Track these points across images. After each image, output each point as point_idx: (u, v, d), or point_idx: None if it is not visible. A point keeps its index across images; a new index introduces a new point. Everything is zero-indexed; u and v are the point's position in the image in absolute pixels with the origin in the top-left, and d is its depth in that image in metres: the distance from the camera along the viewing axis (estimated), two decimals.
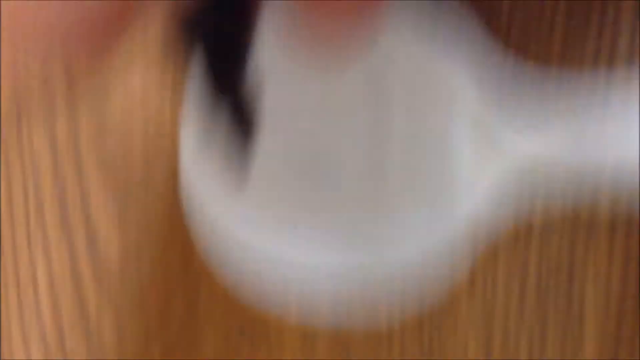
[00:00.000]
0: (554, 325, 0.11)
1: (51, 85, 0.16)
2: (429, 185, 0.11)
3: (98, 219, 0.16)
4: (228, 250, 0.12)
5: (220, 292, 0.15)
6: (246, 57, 0.09)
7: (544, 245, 0.12)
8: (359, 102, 0.11)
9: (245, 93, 0.10)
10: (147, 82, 0.15)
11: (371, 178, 0.11)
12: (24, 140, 0.17)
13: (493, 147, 0.10)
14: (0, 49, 0.08)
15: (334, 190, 0.12)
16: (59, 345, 0.17)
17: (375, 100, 0.11)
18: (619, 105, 0.10)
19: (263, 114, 0.10)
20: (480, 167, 0.11)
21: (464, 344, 0.11)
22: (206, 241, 0.13)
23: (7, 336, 0.17)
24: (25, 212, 0.17)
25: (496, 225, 0.11)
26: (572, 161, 0.10)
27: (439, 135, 0.11)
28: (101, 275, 0.16)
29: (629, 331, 0.11)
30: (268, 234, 0.12)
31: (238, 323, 0.15)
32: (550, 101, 0.10)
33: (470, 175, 0.11)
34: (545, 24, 0.11)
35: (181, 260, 0.15)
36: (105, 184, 0.16)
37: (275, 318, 0.14)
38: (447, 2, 0.10)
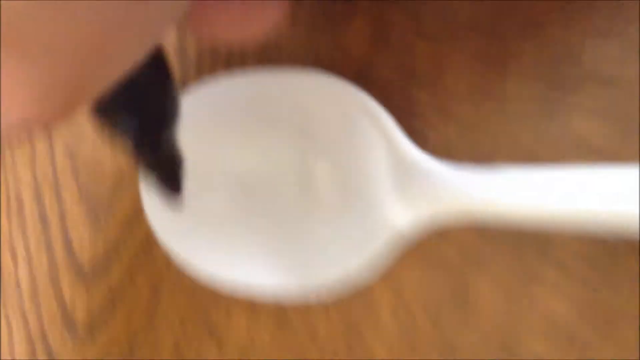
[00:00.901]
0: None
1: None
2: (354, 229, 0.13)
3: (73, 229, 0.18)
4: (182, 264, 0.15)
5: (181, 286, 0.17)
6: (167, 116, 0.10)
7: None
8: (298, 149, 0.14)
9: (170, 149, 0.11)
10: None
11: (304, 217, 0.14)
12: (8, 168, 0.19)
13: (418, 193, 0.12)
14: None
15: (275, 226, 0.14)
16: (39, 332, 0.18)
17: (308, 147, 0.14)
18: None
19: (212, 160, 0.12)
20: (402, 212, 0.13)
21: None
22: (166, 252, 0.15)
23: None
24: (9, 227, 0.19)
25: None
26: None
27: (363, 180, 0.13)
28: (77, 273, 0.18)
29: None
30: (216, 259, 0.14)
31: (197, 309, 0.17)
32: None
33: (393, 218, 0.13)
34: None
35: (146, 258, 0.17)
36: (80, 202, 0.18)
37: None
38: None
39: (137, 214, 0.17)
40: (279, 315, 0.15)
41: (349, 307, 0.14)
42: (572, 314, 0.13)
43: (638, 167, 0.11)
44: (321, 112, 0.13)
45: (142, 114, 0.10)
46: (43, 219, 0.18)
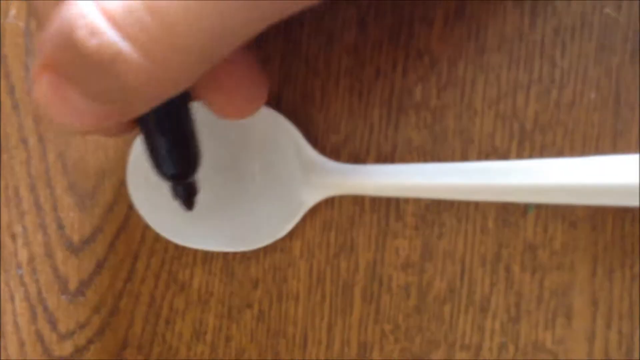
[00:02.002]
0: None
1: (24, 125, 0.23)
2: (277, 203, 0.20)
3: (63, 210, 0.24)
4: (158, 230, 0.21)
5: (154, 252, 0.23)
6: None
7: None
8: (237, 154, 0.20)
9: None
10: None
11: (244, 200, 0.21)
12: (5, 165, 0.24)
13: (314, 174, 0.20)
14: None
15: (224, 207, 0.21)
16: (38, 299, 0.24)
17: (243, 153, 0.20)
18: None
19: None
20: (306, 190, 0.20)
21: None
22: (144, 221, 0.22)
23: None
24: (8, 211, 0.24)
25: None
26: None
27: (282, 172, 0.20)
28: (68, 248, 0.24)
29: None
30: (182, 229, 0.21)
31: (166, 268, 0.23)
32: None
33: (302, 195, 0.20)
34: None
35: (125, 232, 0.23)
36: (69, 188, 0.23)
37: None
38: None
39: (117, 200, 0.23)
40: (226, 268, 0.22)
41: (274, 255, 0.21)
42: (416, 254, 0.20)
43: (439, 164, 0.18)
44: (253, 128, 0.20)
45: (177, 169, 0.18)
46: (38, 207, 0.24)
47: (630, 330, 0.18)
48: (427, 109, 0.19)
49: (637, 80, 0.17)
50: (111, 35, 0.12)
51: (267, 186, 0.20)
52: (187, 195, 0.19)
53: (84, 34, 0.12)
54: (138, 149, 0.21)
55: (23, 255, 0.24)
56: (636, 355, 0.18)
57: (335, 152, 0.20)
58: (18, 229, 0.24)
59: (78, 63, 0.12)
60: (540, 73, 0.18)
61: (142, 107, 0.14)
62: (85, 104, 0.13)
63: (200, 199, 0.21)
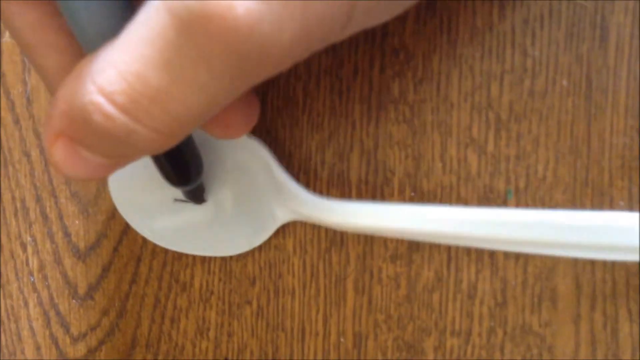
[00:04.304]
0: None
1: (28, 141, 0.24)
2: (252, 219, 0.21)
3: (68, 218, 0.25)
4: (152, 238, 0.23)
5: (155, 254, 0.24)
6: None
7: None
8: (214, 176, 0.21)
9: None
10: None
11: (227, 217, 0.22)
12: (11, 177, 0.25)
13: (285, 199, 0.21)
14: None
15: (205, 220, 0.22)
16: (51, 305, 0.25)
17: (221, 175, 0.21)
18: None
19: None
20: (279, 208, 0.21)
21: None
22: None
23: (13, 305, 0.25)
24: (17, 221, 0.25)
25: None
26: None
27: (256, 192, 0.21)
28: (75, 253, 0.25)
29: None
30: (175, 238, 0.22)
31: (168, 270, 0.24)
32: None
33: (274, 210, 0.21)
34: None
35: (127, 237, 0.24)
36: (72, 197, 0.24)
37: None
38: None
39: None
40: (224, 267, 0.23)
41: (269, 252, 0.22)
42: (403, 245, 0.20)
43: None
44: (230, 153, 0.21)
45: (183, 180, 0.20)
46: (44, 216, 0.25)
47: (614, 312, 0.18)
48: (405, 103, 0.19)
49: (607, 64, 0.18)
50: (123, 120, 0.14)
51: (243, 204, 0.21)
52: (195, 194, 0.21)
53: (99, 118, 0.14)
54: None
55: (34, 263, 0.25)
56: (622, 335, 0.18)
57: (320, 150, 0.21)
58: (27, 238, 0.25)
59: (94, 136, 0.14)
60: (513, 63, 0.18)
61: (149, 155, 0.16)
62: (98, 162, 0.15)
63: (194, 213, 0.22)
